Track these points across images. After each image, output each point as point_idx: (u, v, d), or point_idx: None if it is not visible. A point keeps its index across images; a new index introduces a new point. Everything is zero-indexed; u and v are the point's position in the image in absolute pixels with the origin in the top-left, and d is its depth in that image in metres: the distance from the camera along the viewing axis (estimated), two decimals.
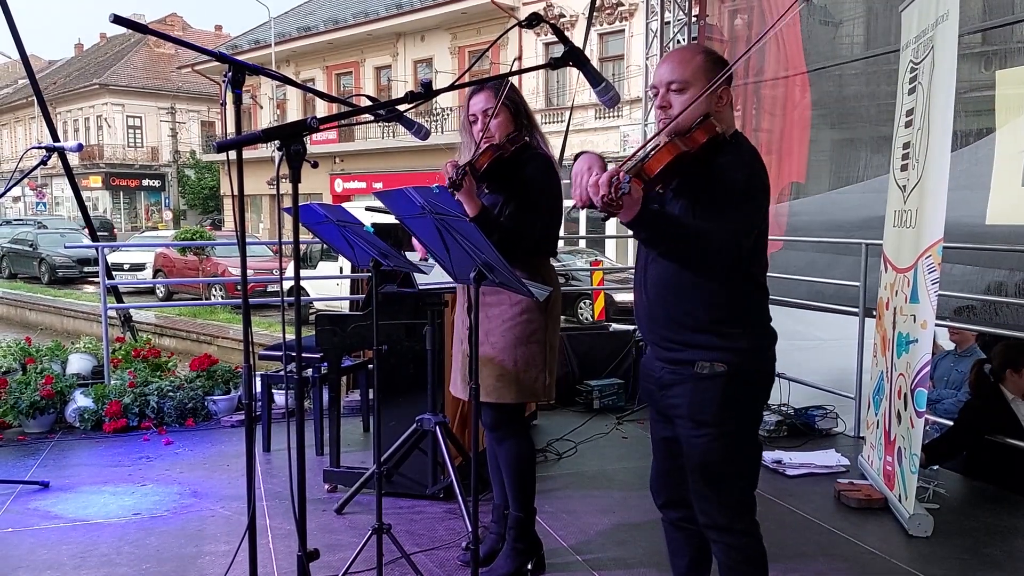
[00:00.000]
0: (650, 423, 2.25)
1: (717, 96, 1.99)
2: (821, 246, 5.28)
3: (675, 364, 2.04)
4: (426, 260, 2.85)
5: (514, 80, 2.81)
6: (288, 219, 2.00)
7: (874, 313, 4.03)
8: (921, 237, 3.33)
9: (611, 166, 1.80)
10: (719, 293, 1.98)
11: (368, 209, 3.58)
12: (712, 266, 1.93)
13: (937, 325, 3.82)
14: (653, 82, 2.07)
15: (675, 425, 2.08)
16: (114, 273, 12.61)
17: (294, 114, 27.90)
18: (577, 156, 1.92)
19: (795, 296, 5.01)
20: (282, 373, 4.59)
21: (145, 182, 40.35)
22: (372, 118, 2.12)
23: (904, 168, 3.70)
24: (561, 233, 3.05)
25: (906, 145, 3.68)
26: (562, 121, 18.02)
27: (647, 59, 6.64)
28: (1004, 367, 3.89)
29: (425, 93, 1.91)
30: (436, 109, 22.68)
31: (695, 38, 6.22)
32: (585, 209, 1.85)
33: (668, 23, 6.37)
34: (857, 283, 4.54)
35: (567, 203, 2.58)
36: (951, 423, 4.00)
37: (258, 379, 4.54)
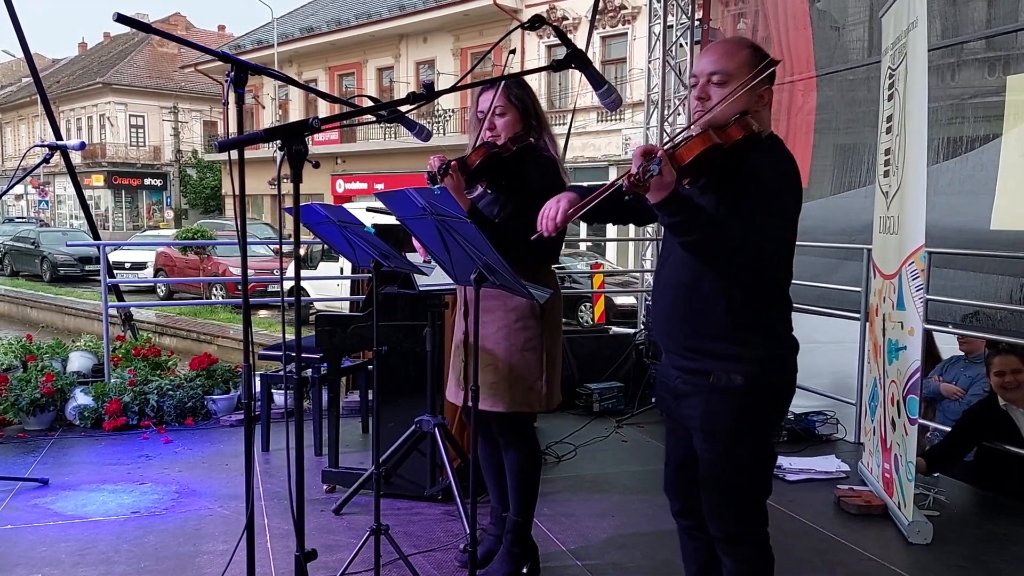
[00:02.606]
0: (665, 431, 2.20)
1: (758, 95, 1.92)
2: (823, 250, 5.27)
3: (690, 373, 1.97)
4: (428, 262, 2.83)
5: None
6: (289, 219, 2.00)
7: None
8: (903, 243, 3.33)
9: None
10: (739, 299, 1.91)
11: (369, 210, 3.58)
12: (735, 266, 1.85)
13: (930, 331, 3.81)
14: (694, 71, 2.00)
15: (690, 436, 2.02)
16: (115, 272, 12.61)
17: (296, 114, 27.90)
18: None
19: (797, 300, 5.00)
20: (282, 373, 4.59)
21: (147, 181, 40.33)
22: (374, 119, 2.11)
23: (886, 175, 3.71)
24: None
25: (887, 151, 3.69)
26: (564, 124, 18.03)
27: (649, 63, 6.64)
28: (988, 371, 3.90)
29: (427, 94, 1.91)
30: (438, 111, 22.69)
31: (698, 42, 6.22)
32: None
33: (671, 27, 6.37)
34: (858, 288, 4.53)
35: None
36: (947, 429, 4.00)
37: (258, 379, 4.53)
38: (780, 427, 4.61)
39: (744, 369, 1.91)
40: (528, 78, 2.68)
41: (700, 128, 1.89)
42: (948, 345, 5.08)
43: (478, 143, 2.64)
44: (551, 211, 2.03)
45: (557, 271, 2.85)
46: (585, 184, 2.27)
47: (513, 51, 2.80)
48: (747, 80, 1.88)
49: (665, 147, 1.83)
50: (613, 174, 18.64)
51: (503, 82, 2.64)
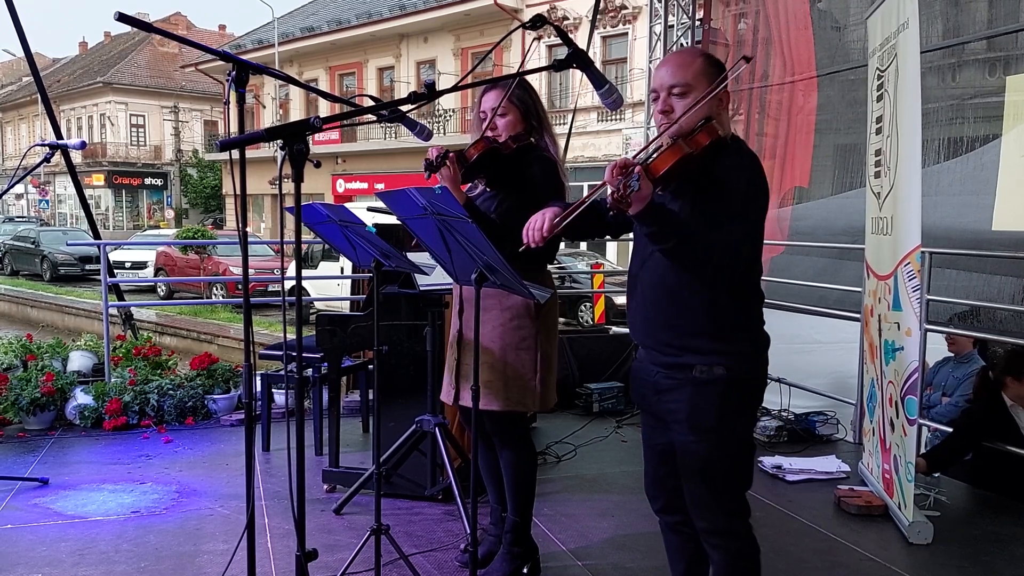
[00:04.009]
0: (643, 428, 2.25)
1: (717, 99, 2.00)
2: (823, 251, 5.27)
3: (672, 368, 2.03)
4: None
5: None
6: (290, 218, 2.00)
7: None
8: (898, 244, 3.33)
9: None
10: (718, 297, 1.98)
11: (370, 209, 3.58)
12: (713, 268, 1.92)
13: (930, 331, 3.80)
14: (653, 86, 2.08)
15: (671, 430, 2.07)
16: (116, 271, 12.61)
17: (297, 114, 27.90)
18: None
19: (797, 301, 5.01)
20: (282, 373, 4.59)
21: (147, 180, 40.33)
22: (375, 118, 2.12)
23: (877, 175, 3.70)
24: None
25: (878, 152, 3.69)
26: (564, 124, 18.04)
27: (650, 63, 6.64)
28: (1005, 374, 3.88)
29: (428, 94, 1.91)
30: (439, 110, 22.69)
31: (699, 42, 6.21)
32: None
33: (672, 27, 6.37)
34: (859, 288, 4.53)
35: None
36: (949, 429, 3.99)
37: (258, 378, 4.54)
38: (781, 426, 4.61)
39: (726, 362, 1.99)
40: (529, 78, 2.68)
41: (671, 139, 1.96)
42: (937, 345, 5.06)
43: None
44: (537, 223, 2.08)
45: (557, 271, 2.85)
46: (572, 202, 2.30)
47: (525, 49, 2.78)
48: (710, 89, 1.97)
49: (639, 160, 1.89)
50: None
51: (504, 84, 2.64)
